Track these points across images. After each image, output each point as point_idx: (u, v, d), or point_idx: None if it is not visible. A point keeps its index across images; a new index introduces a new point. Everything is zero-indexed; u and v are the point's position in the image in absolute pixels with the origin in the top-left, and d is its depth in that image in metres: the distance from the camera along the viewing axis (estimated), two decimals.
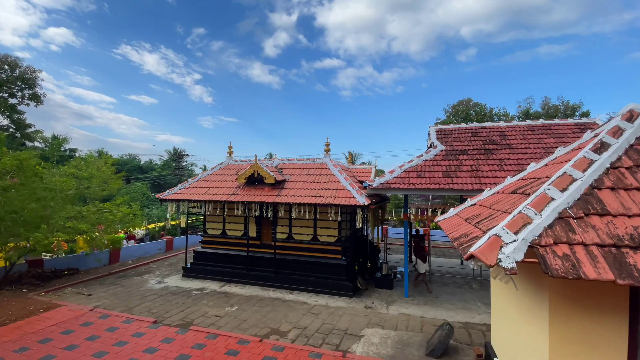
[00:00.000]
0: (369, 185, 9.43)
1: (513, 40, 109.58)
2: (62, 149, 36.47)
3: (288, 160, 12.96)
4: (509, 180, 5.55)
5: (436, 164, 10.13)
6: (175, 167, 42.14)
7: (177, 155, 42.82)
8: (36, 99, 29.85)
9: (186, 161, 44.94)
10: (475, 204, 5.73)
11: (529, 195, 3.77)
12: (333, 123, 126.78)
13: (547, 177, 4.10)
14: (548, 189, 3.31)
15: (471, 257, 3.05)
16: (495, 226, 3.27)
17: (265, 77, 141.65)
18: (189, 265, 12.46)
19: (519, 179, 5.26)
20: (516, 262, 2.72)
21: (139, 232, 23.69)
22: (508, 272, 2.66)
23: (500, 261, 2.75)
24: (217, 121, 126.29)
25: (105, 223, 13.27)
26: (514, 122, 11.91)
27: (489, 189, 5.89)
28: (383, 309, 9.29)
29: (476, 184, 8.74)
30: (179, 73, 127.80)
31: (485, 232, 3.41)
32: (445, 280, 12.30)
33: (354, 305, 9.53)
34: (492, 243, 2.96)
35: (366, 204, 9.10)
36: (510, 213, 3.52)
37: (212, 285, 11.35)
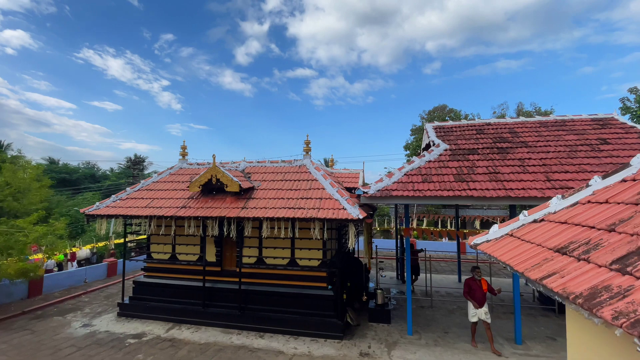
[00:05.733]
0: (364, 193, 7.26)
1: (474, 55, 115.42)
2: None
3: (258, 162, 10.46)
4: (599, 182, 3.60)
5: (443, 165, 8.19)
6: (132, 175, 37.48)
7: (134, 162, 38.12)
8: None
9: (146, 168, 40.39)
10: (544, 220, 3.70)
11: None
12: (306, 131, 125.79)
13: None
14: None
15: None
16: None
17: (237, 84, 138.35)
18: (127, 300, 9.51)
19: (625, 180, 3.34)
20: None
21: (83, 252, 19.93)
22: None
23: None
24: (187, 128, 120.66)
25: (16, 246, 10.13)
26: (522, 118, 10.36)
27: (559, 196, 3.92)
28: (384, 355, 7.05)
29: (500, 189, 6.85)
30: (146, 79, 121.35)
31: None
32: (448, 304, 10.32)
33: (345, 352, 7.21)
34: None
35: (361, 217, 6.90)
36: None
37: (155, 329, 8.54)
